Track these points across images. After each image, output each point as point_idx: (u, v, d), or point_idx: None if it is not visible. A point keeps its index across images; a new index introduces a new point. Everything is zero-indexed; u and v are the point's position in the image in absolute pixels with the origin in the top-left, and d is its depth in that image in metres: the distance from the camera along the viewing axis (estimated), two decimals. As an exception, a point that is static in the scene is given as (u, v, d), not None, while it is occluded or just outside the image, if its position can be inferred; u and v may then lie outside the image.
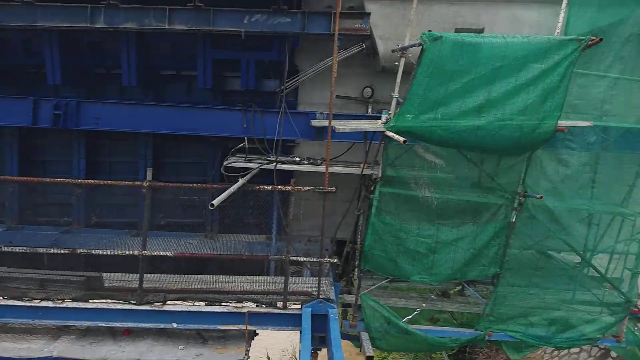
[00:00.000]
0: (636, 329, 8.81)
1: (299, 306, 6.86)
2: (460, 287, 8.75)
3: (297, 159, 7.95)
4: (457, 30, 7.65)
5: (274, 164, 7.60)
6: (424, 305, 8.17)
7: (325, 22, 7.67)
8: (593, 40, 6.45)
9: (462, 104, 6.60)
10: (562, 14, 6.90)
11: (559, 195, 7.49)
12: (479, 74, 6.53)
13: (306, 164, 7.83)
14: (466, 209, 7.61)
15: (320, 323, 6.74)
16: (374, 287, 7.87)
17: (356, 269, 7.79)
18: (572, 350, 15.61)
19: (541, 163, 7.37)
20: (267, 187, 7.04)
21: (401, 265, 7.44)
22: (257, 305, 6.96)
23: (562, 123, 6.69)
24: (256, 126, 8.06)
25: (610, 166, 7.78)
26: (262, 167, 7.58)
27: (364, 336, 7.37)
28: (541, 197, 7.07)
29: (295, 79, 8.36)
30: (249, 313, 6.74)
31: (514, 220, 7.37)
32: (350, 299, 7.92)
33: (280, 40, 8.16)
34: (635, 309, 8.49)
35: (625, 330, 8.15)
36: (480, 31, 7.78)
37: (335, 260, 7.31)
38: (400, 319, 7.64)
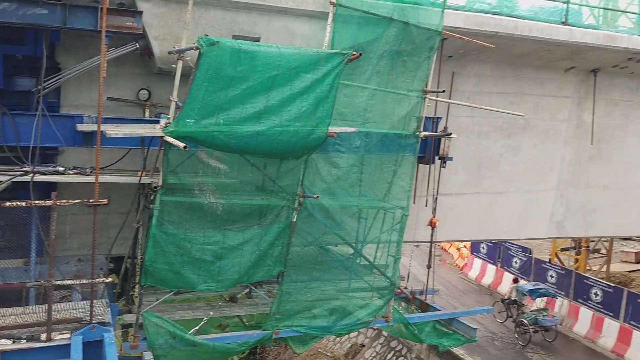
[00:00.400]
0: (400, 308, 10.17)
1: (69, 335, 6.04)
2: (248, 289, 8.88)
3: (61, 168, 7.00)
4: (235, 37, 7.71)
5: (30, 175, 6.53)
6: (212, 313, 8.05)
7: (91, 17, 6.92)
8: (354, 54, 7.21)
9: (242, 110, 6.69)
10: (328, 29, 7.53)
11: (333, 194, 8.23)
12: (257, 82, 6.70)
13: (72, 173, 6.93)
14: (251, 213, 7.78)
15: (95, 350, 6.06)
16: (157, 302, 7.44)
17: (137, 286, 7.23)
18: (352, 334, 17.44)
19: (316, 165, 7.98)
20: (21, 203, 6.01)
21: (186, 276, 7.19)
22: (13, 342, 5.91)
23: (332, 129, 7.33)
24: (7, 131, 6.84)
25: (373, 167, 8.89)
26: (14, 179, 6.45)
27: (147, 356, 6.93)
28: (317, 196, 7.69)
29: (57, 78, 7.37)
30: (3, 352, 5.69)
31: (295, 220, 7.78)
32: (131, 318, 7.33)
33: (37, 33, 7.11)
34: (399, 291, 9.81)
35: (392, 311, 9.30)
36: (257, 40, 7.99)
37: (111, 279, 6.67)
38: (187, 331, 7.37)
